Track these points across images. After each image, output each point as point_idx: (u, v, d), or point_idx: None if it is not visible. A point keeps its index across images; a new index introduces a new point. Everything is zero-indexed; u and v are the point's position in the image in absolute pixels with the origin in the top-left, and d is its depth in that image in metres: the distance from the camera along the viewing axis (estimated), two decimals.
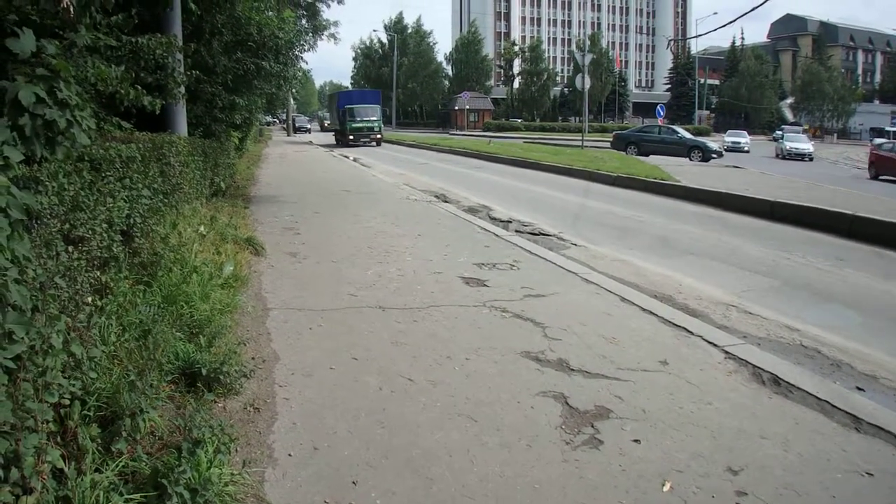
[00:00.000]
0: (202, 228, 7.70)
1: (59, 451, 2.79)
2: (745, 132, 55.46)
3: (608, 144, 38.91)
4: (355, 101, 48.35)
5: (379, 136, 46.41)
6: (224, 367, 4.34)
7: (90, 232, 4.13)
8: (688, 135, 36.65)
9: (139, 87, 5.59)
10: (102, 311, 4.09)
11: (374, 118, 46.51)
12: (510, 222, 12.76)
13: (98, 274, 4.27)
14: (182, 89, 8.13)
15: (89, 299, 3.87)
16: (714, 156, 32.14)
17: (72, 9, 4.18)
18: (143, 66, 6.97)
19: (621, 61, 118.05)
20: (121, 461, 3.07)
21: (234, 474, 3.26)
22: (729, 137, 50.84)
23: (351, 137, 45.00)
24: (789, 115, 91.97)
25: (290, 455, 3.65)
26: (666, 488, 3.40)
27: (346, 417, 4.12)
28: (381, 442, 3.82)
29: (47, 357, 2.78)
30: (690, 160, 30.74)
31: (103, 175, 4.73)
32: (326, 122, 74.30)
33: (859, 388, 5.11)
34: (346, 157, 32.15)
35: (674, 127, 40.84)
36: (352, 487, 3.36)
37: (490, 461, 3.63)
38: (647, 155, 31.95)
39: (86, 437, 2.98)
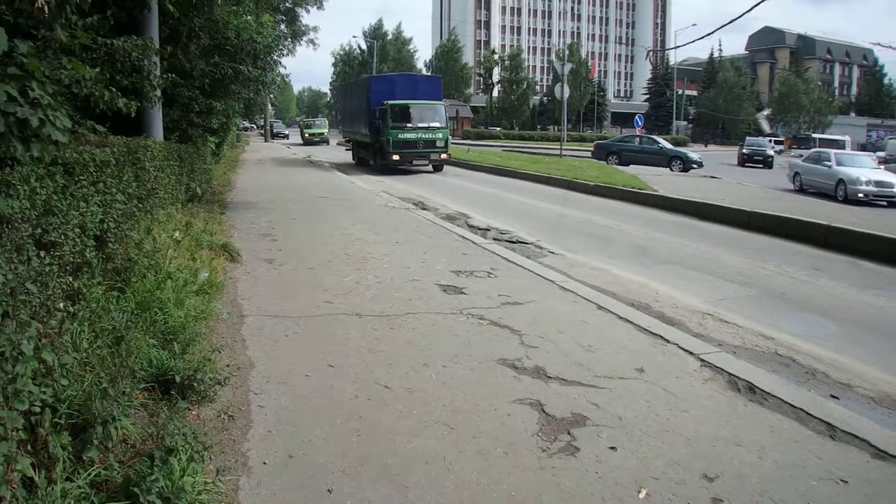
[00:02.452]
0: (177, 234, 7.64)
1: (29, 459, 2.74)
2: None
3: (587, 154, 38.91)
4: (402, 93, 27.08)
5: (445, 154, 26.76)
6: (198, 375, 4.29)
7: (63, 237, 4.07)
8: (668, 145, 36.85)
9: (114, 90, 5.52)
10: (74, 317, 4.04)
11: (438, 124, 26.53)
12: (488, 230, 12.78)
13: (70, 279, 4.22)
14: (158, 93, 8.06)
15: (61, 305, 3.82)
16: (694, 166, 32.37)
17: (47, 8, 4.12)
18: (119, 69, 6.90)
19: (598, 71, 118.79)
20: (92, 470, 3.02)
21: (207, 483, 3.22)
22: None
23: (395, 157, 25.74)
24: (766, 127, 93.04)
25: (264, 463, 3.61)
26: (642, 495, 3.40)
27: (321, 425, 4.09)
28: (357, 450, 3.80)
29: (17, 364, 2.73)
30: (671, 170, 30.96)
31: (77, 179, 4.67)
32: (309, 132, 61.26)
33: (834, 397, 5.16)
34: (325, 163, 31.99)
35: (654, 137, 41.05)
36: (327, 495, 3.34)
37: (467, 469, 3.62)
38: (627, 165, 32.14)
39: (57, 446, 2.93)
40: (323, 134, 61.86)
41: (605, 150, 36.81)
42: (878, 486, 3.58)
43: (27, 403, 2.78)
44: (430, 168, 27.27)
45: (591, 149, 38.93)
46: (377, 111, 26.63)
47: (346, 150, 37.91)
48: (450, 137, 27.73)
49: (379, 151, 26.74)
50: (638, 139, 38.27)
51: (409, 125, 25.77)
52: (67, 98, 5.21)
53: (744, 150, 45.33)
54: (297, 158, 35.64)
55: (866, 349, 6.41)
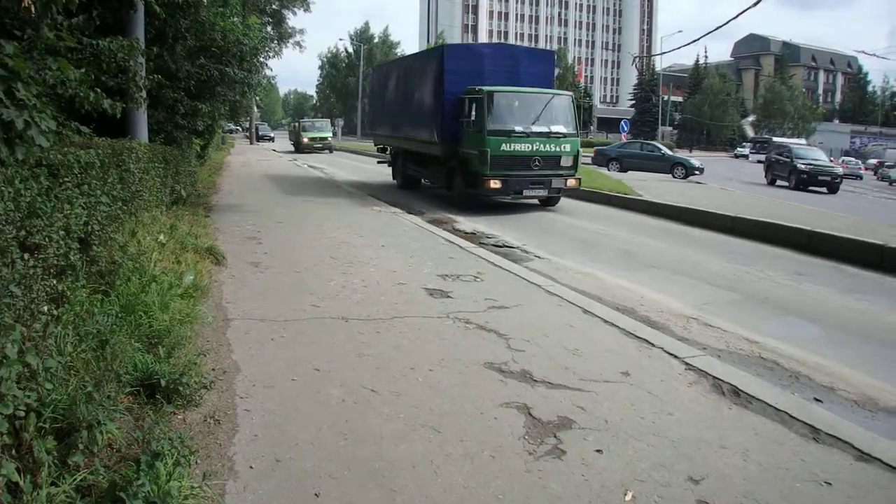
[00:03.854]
0: (162, 237, 7.59)
1: (13, 464, 2.71)
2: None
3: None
4: (495, 74, 16.97)
5: (573, 180, 16.56)
6: (184, 379, 4.26)
7: (47, 239, 4.03)
8: (669, 152, 36.80)
9: (99, 91, 5.49)
10: (59, 320, 4.00)
11: (564, 128, 16.36)
12: (475, 234, 12.80)
13: (55, 282, 4.18)
14: (143, 94, 8.03)
15: (45, 308, 3.78)
16: (696, 172, 32.39)
17: (33, 8, 4.10)
18: (105, 70, 6.87)
19: (585, 76, 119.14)
20: (78, 475, 3.00)
21: (194, 487, 3.20)
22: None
23: (495, 184, 15.47)
24: (750, 133, 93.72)
25: (251, 467, 3.59)
26: (628, 498, 3.42)
27: (308, 429, 4.07)
28: (344, 453, 3.79)
29: (1, 367, 2.71)
30: (673, 176, 31.08)
31: (61, 181, 4.64)
32: (309, 136, 48.95)
33: (817, 400, 5.22)
34: (311, 166, 31.81)
35: (655, 143, 40.68)
36: (314, 499, 3.32)
37: (454, 472, 3.62)
38: (626, 171, 32.16)
39: (41, 450, 2.90)
40: (327, 139, 50.48)
41: (606, 156, 36.62)
42: (861, 488, 3.62)
43: (11, 407, 2.76)
44: (542, 195, 16.67)
45: (591, 154, 37.70)
46: (455, 104, 16.22)
47: (378, 162, 25.82)
48: (580, 150, 16.69)
49: (461, 172, 16.12)
50: (640, 145, 38.28)
51: (518, 130, 15.37)
52: (52, 99, 5.19)
53: (798, 166, 31.44)
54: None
55: (849, 352, 6.47)
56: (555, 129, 15.88)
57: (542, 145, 15.64)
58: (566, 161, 16.05)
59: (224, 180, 21.36)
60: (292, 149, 51.05)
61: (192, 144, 16.46)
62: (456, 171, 16.56)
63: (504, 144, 15.22)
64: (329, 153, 48.13)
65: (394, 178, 22.72)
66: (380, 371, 5.07)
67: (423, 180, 21.03)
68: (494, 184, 15.15)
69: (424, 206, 17.10)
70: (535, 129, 15.63)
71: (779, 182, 32.86)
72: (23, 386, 2.98)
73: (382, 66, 31.54)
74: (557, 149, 15.88)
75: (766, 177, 34.78)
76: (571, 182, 16.27)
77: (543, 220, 15.42)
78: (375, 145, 25.41)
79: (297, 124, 56.07)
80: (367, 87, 29.82)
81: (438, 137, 16.84)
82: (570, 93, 17.87)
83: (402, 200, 17.78)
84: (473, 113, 15.58)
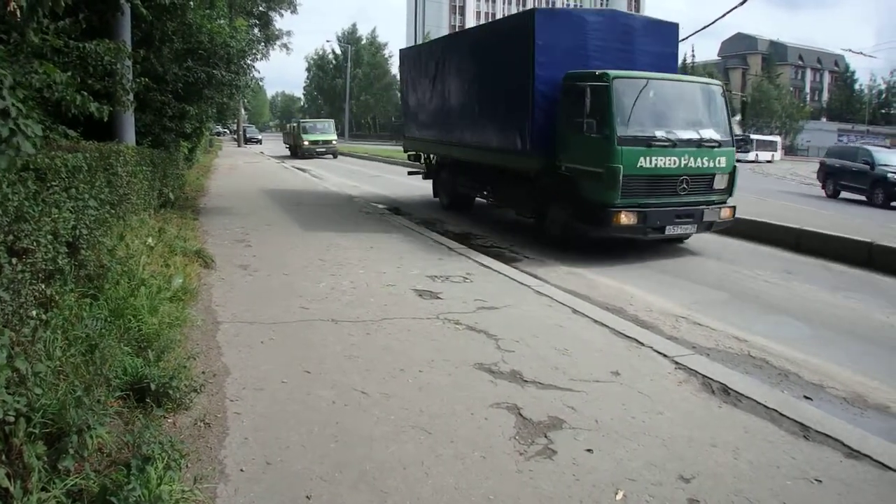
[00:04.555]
0: (150, 240, 7.56)
1: (3, 469, 2.70)
2: None
3: None
4: (603, 53, 11.55)
5: (728, 210, 11.12)
6: (173, 382, 4.25)
7: (35, 243, 4.02)
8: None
9: (86, 94, 5.47)
10: (48, 324, 3.98)
11: (717, 133, 10.83)
12: (464, 235, 12.81)
13: (43, 287, 4.16)
14: (131, 97, 8.00)
15: (34, 313, 3.76)
16: None
17: (19, 11, 4.08)
18: (91, 73, 6.85)
19: None
20: (69, 480, 2.99)
21: (185, 491, 3.20)
22: None
23: (629, 219, 10.05)
24: (738, 131, 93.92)
25: (242, 470, 3.59)
26: (619, 497, 3.44)
27: (299, 431, 4.08)
28: (334, 456, 3.79)
29: None
30: None
31: (48, 185, 4.63)
32: (310, 138, 42.68)
33: (807, 397, 5.26)
34: (299, 169, 31.73)
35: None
36: (306, 502, 3.33)
37: (444, 473, 3.63)
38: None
39: (31, 455, 2.89)
40: (331, 143, 43.62)
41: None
42: (851, 485, 3.65)
43: (1, 413, 2.75)
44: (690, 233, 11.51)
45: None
46: (551, 96, 11.42)
47: (410, 173, 20.69)
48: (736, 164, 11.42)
49: (564, 197, 11.16)
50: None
51: (661, 137, 10.28)
52: (39, 102, 5.16)
53: (889, 176, 23.37)
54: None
55: (838, 350, 6.52)
56: (706, 135, 10.65)
57: (691, 159, 10.40)
58: (720, 181, 10.84)
59: (212, 182, 21.27)
60: (287, 153, 45.74)
61: (180, 147, 16.40)
62: (554, 196, 11.36)
63: (642, 159, 9.93)
64: (333, 158, 42.33)
65: (435, 195, 17.65)
66: (370, 373, 5.08)
67: (474, 196, 15.97)
68: (626, 218, 9.94)
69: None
70: (683, 135, 10.39)
71: (844, 194, 24.93)
72: (12, 391, 2.96)
73: (422, 48, 22.71)
74: (711, 164, 10.64)
75: (823, 188, 26.24)
76: (726, 213, 11.03)
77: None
78: (406, 151, 19.59)
79: (295, 125, 48.50)
80: (402, 75, 20.44)
81: (525, 144, 11.69)
82: (719, 82, 12.06)
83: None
84: (588, 110, 10.06)
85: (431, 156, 17.88)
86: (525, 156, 11.78)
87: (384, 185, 23.69)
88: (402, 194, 20.27)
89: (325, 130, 44.88)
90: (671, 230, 10.48)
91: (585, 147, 10.37)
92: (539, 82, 11.31)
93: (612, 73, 10.18)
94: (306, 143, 42.57)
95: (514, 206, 13.68)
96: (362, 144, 61.27)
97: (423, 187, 18.87)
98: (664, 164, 10.14)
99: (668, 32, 12.83)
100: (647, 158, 9.99)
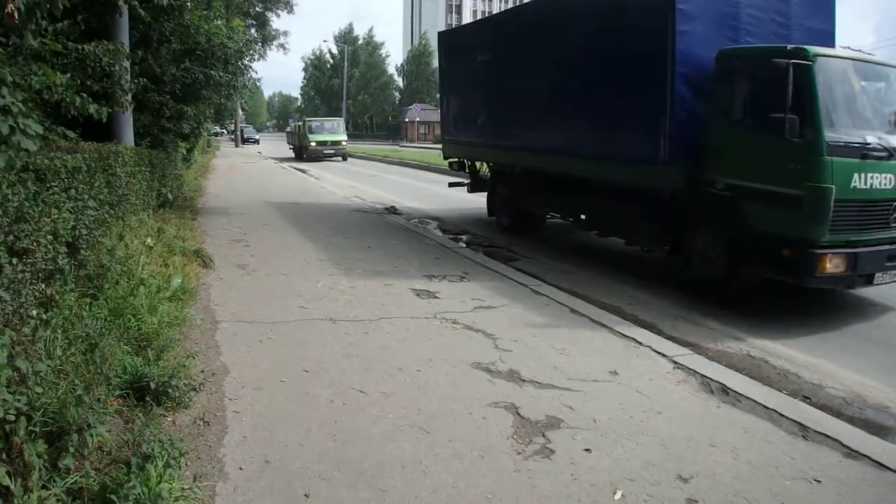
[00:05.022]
0: (149, 240, 7.57)
1: (4, 467, 2.73)
2: None
3: None
4: (769, 13, 8.62)
5: None
6: (173, 381, 4.28)
7: (35, 244, 4.04)
8: None
9: (85, 95, 5.49)
10: (48, 324, 4.01)
11: None
12: (461, 234, 12.83)
13: (43, 286, 4.18)
14: (129, 98, 8.03)
15: (34, 312, 3.79)
16: None
17: (17, 14, 4.09)
18: (90, 74, 6.87)
19: None
20: (69, 478, 3.01)
21: (184, 489, 3.22)
22: None
23: (834, 266, 6.74)
24: None
25: (241, 469, 3.61)
26: (617, 497, 3.45)
27: (297, 430, 4.10)
28: (333, 454, 3.81)
29: None
30: None
31: (48, 186, 4.65)
32: (317, 139, 38.77)
33: (806, 398, 5.24)
34: (296, 168, 31.70)
35: None
36: (304, 500, 3.35)
37: (443, 472, 3.65)
38: None
39: (32, 454, 2.91)
40: (340, 144, 39.52)
41: None
42: (850, 485, 3.65)
43: (2, 412, 2.78)
44: None
45: None
46: (697, 84, 8.15)
47: (451, 184, 16.74)
48: None
49: (736, 229, 7.53)
50: None
51: (877, 144, 6.98)
52: (38, 104, 5.18)
53: None
54: (268, 164, 24.22)
55: (838, 351, 6.44)
56: None
57: None
58: None
59: (210, 182, 21.26)
60: (291, 155, 42.06)
61: (178, 147, 16.42)
62: (703, 224, 8.17)
63: (855, 176, 6.88)
64: (343, 161, 38.57)
65: (491, 212, 13.87)
66: (368, 372, 5.10)
67: (537, 215, 12.66)
68: (834, 263, 6.88)
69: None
70: None
71: None
72: (13, 390, 2.99)
73: (471, 28, 18.10)
74: None
75: None
76: None
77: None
78: (446, 157, 15.87)
79: (300, 124, 44.02)
80: (441, 64, 16.34)
81: (657, 150, 8.37)
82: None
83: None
84: (772, 103, 6.91)
85: (482, 163, 14.57)
86: (655, 166, 8.32)
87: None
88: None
89: (333, 130, 40.82)
90: (881, 278, 7.26)
91: (763, 156, 7.27)
92: (680, 63, 8.06)
93: (812, 49, 7.02)
94: (313, 143, 38.77)
95: (628, 234, 9.65)
96: (360, 144, 60.94)
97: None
98: (880, 183, 6.99)
99: (824, 6, 9.59)
100: (862, 175, 6.87)
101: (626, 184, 9.08)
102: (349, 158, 40.22)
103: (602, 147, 9.51)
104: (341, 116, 55.16)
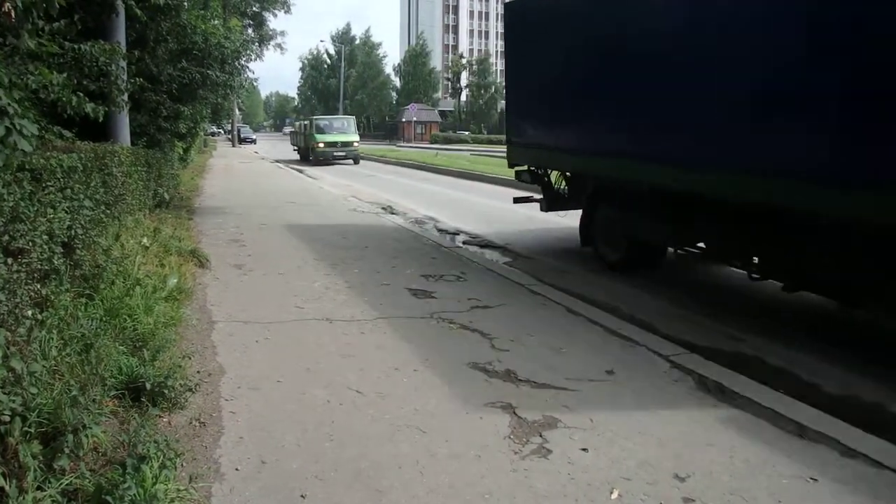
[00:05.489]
0: (145, 240, 7.56)
1: None
2: None
3: None
4: None
5: None
6: (169, 382, 4.27)
7: (30, 244, 4.03)
8: None
9: (82, 95, 5.49)
10: (43, 324, 3.99)
11: None
12: (457, 234, 12.84)
13: (38, 287, 4.17)
14: (125, 97, 8.02)
15: (29, 313, 3.77)
16: None
17: (13, 13, 4.09)
18: (86, 74, 6.86)
19: None
20: (64, 479, 3.00)
21: (180, 490, 3.21)
22: None
23: None
24: None
25: (237, 469, 3.61)
26: (614, 496, 3.45)
27: (293, 431, 4.09)
28: (329, 455, 3.81)
29: None
30: None
31: (44, 185, 4.63)
32: (326, 139, 35.56)
33: (803, 396, 5.23)
34: (295, 168, 31.65)
35: None
36: (301, 501, 3.34)
37: (440, 472, 3.65)
38: None
39: (27, 455, 2.90)
40: (351, 145, 36.20)
41: None
42: (847, 484, 3.64)
43: None
44: None
45: None
46: None
47: (517, 200, 12.57)
48: None
49: None
50: None
51: None
52: (34, 103, 5.17)
53: None
54: (264, 164, 23.70)
55: (833, 348, 6.46)
56: None
57: None
58: None
59: (207, 182, 21.26)
60: (295, 157, 38.83)
61: (175, 147, 16.40)
62: None
63: None
64: (354, 164, 35.53)
65: (585, 241, 10.16)
66: (364, 372, 5.09)
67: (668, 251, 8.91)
68: None
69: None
70: None
71: None
72: (7, 391, 2.98)
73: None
74: None
75: None
76: None
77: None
78: (512, 165, 11.83)
79: (306, 123, 39.79)
80: (508, 47, 11.49)
81: None
82: None
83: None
84: None
85: (540, 172, 11.32)
86: None
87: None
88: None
89: (343, 129, 37.27)
90: None
91: None
92: None
93: None
94: (321, 145, 35.20)
95: (843, 289, 6.23)
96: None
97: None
98: None
99: None
100: None
101: (842, 218, 5.67)
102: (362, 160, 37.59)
103: (800, 163, 5.87)
104: (351, 115, 50.77)
